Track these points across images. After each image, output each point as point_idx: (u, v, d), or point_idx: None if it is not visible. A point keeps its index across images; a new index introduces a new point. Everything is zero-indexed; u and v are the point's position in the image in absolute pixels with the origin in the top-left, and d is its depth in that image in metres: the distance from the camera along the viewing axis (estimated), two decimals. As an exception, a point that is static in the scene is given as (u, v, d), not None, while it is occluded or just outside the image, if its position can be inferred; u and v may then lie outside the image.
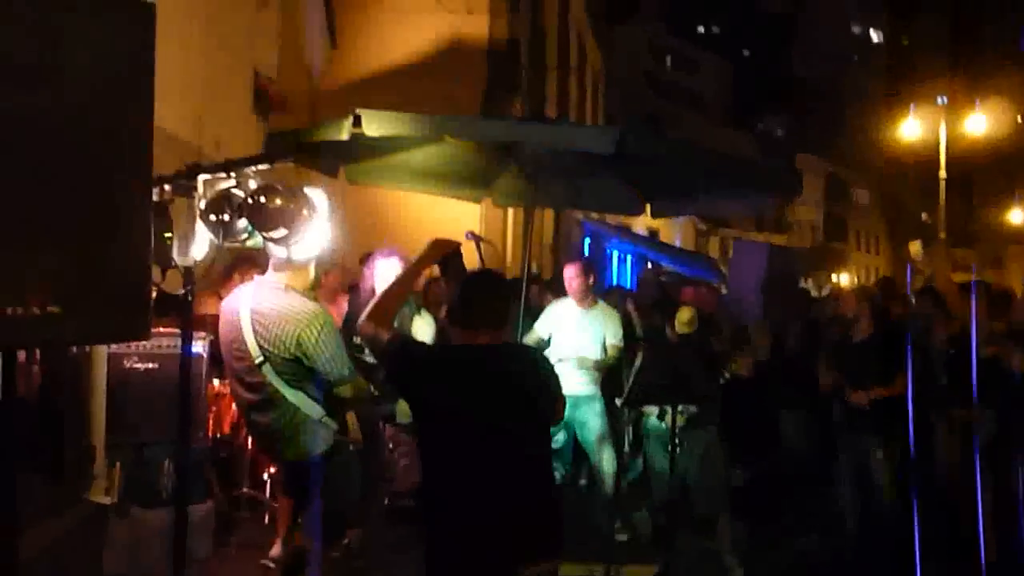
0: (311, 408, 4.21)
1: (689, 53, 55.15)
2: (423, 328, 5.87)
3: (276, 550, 5.00)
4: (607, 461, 6.36)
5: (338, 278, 7.25)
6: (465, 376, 3.14)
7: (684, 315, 6.11)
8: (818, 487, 6.48)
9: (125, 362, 5.14)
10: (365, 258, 6.95)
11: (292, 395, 4.19)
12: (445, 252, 3.49)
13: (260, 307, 4.22)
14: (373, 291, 6.01)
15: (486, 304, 3.24)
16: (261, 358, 4.18)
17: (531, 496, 3.10)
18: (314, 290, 4.65)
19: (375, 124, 5.21)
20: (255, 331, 4.19)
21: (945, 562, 5.17)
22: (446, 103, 9.00)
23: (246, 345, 4.22)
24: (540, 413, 3.23)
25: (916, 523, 4.64)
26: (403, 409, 5.46)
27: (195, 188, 3.27)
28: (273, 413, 4.25)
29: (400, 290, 3.50)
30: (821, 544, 6.35)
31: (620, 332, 6.55)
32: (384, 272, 5.68)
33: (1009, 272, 39.51)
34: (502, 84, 13.39)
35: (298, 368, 4.19)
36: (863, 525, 6.01)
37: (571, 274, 6.70)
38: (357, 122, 5.16)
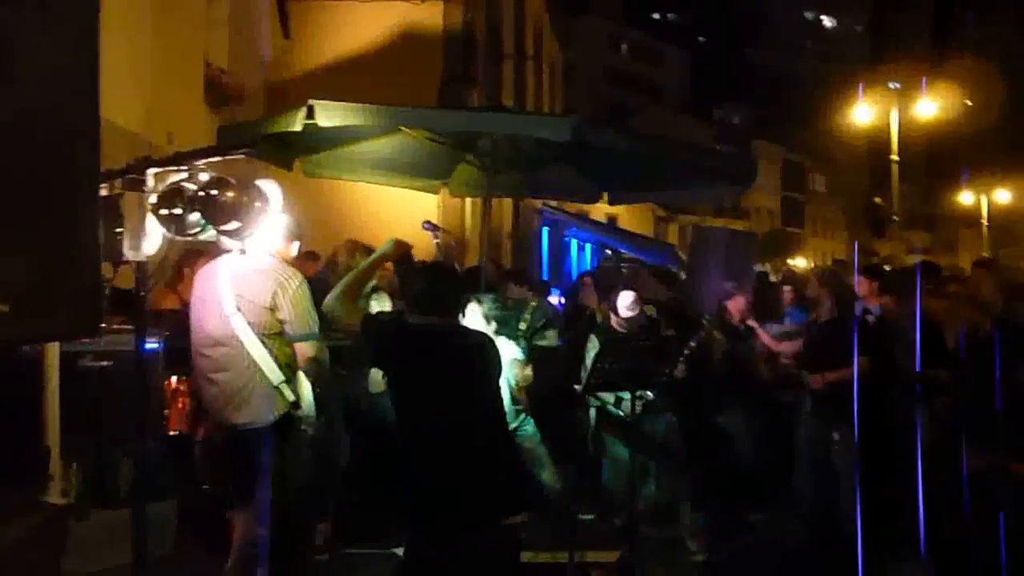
0: (271, 370, 4.18)
1: (647, 43, 55.41)
2: (376, 308, 5.86)
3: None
4: (546, 474, 6.28)
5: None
6: (434, 346, 3.48)
7: (625, 299, 6.14)
8: (777, 472, 6.55)
9: (79, 360, 5.05)
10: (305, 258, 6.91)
11: (257, 352, 4.16)
12: (402, 252, 4.09)
13: (240, 265, 4.23)
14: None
15: (439, 291, 3.59)
16: (234, 308, 4.16)
17: (496, 456, 3.43)
18: None
19: (328, 115, 5.17)
20: (233, 282, 4.19)
21: (899, 545, 5.26)
22: (402, 93, 8.94)
23: (219, 298, 4.19)
24: (495, 384, 3.59)
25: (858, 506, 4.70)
26: (375, 379, 5.46)
27: (145, 182, 3.23)
28: (231, 372, 4.21)
29: (363, 277, 3.95)
30: (781, 529, 6.42)
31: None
32: None
33: (963, 255, 40.24)
34: (458, 74, 13.33)
35: (269, 321, 4.18)
36: (823, 509, 6.07)
37: None
38: (310, 113, 5.12)
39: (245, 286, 4.18)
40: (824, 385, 5.97)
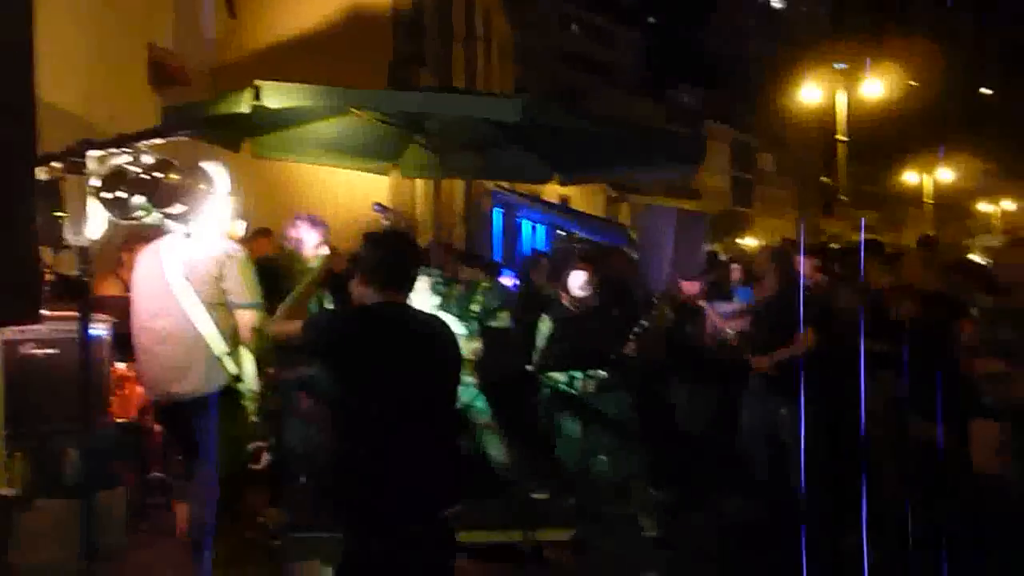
0: (215, 340, 4.22)
1: (599, 24, 55.39)
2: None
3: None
4: (495, 449, 6.32)
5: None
6: (386, 332, 3.27)
7: (577, 278, 6.17)
8: (728, 449, 6.64)
9: (21, 348, 4.94)
10: (257, 234, 6.86)
11: (201, 321, 4.19)
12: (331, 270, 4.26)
13: (186, 241, 4.24)
14: None
15: (398, 262, 3.37)
16: (180, 277, 4.18)
17: (440, 450, 3.30)
18: None
19: (276, 96, 5.12)
20: (179, 253, 4.22)
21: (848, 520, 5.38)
22: (351, 74, 8.83)
23: (163, 269, 4.21)
24: (450, 374, 3.43)
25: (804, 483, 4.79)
26: None
27: (87, 165, 3.17)
28: (175, 342, 4.24)
29: (303, 298, 3.89)
30: (734, 505, 6.51)
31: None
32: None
33: (906, 232, 41.00)
34: (408, 55, 13.23)
35: (214, 291, 4.22)
36: (774, 485, 6.16)
37: None
38: (258, 94, 5.06)
39: (191, 258, 4.21)
40: (770, 364, 6.05)
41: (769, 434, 6.13)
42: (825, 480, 5.38)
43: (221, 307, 4.25)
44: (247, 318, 4.33)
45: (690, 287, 7.43)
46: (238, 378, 4.33)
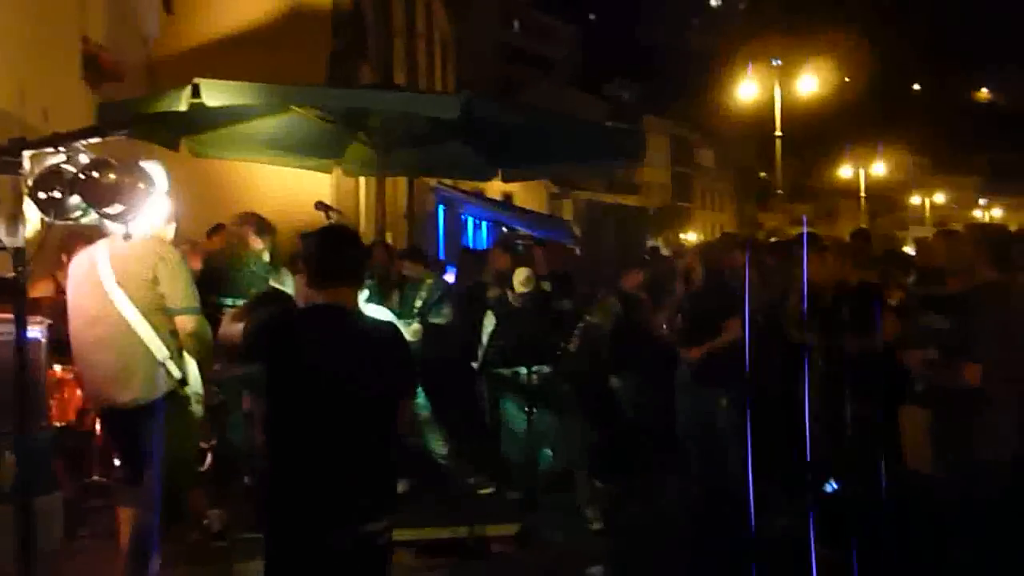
0: (156, 346, 4.16)
1: (538, 19, 55.54)
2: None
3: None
4: (436, 444, 6.38)
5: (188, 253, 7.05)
6: (316, 336, 3.19)
7: (520, 275, 6.22)
8: (664, 442, 6.74)
9: (-46, 351, 4.83)
10: (215, 230, 6.78)
11: (140, 328, 4.14)
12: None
13: (119, 244, 4.17)
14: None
15: (341, 256, 3.29)
16: (114, 283, 4.13)
17: (367, 457, 3.17)
18: None
19: (215, 94, 5.08)
20: (112, 258, 4.18)
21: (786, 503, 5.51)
22: (291, 70, 8.74)
23: (99, 276, 4.16)
24: (389, 381, 3.23)
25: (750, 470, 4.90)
26: None
27: (21, 164, 3.10)
28: (114, 350, 4.18)
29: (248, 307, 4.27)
30: (676, 494, 6.62)
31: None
32: None
33: (840, 225, 41.85)
34: (348, 51, 13.12)
35: (151, 295, 4.16)
36: (711, 476, 6.27)
37: None
38: (196, 92, 5.02)
39: (124, 263, 4.16)
40: (701, 355, 6.16)
41: (703, 423, 6.24)
42: (760, 467, 5.50)
43: (158, 311, 4.19)
44: (185, 323, 4.27)
45: (631, 280, 7.53)
46: (183, 381, 4.27)
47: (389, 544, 3.29)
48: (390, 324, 3.72)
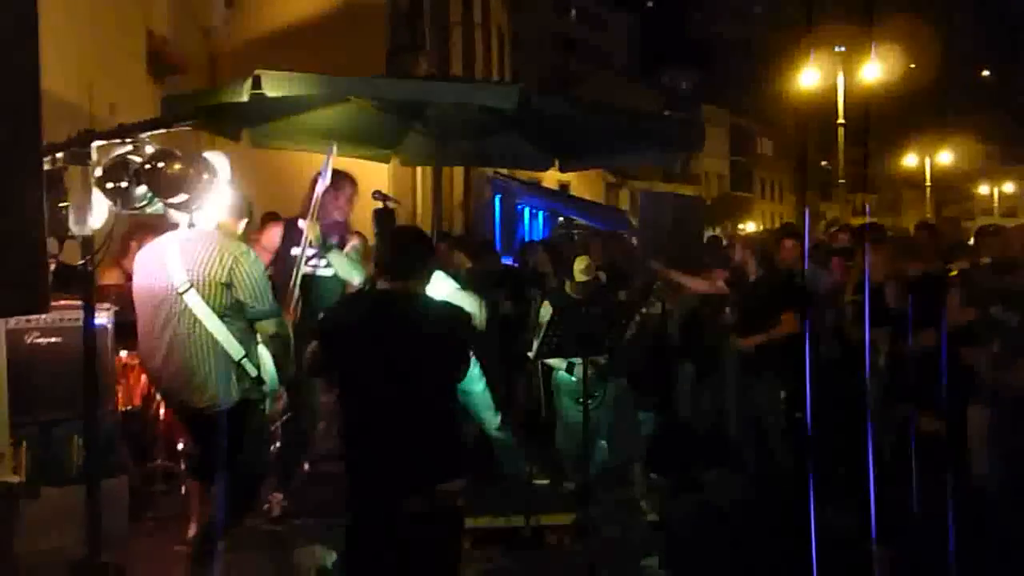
0: (231, 346, 4.08)
1: (595, 9, 55.23)
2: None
3: (192, 532, 4.81)
4: (490, 418, 6.29)
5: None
6: (380, 313, 3.49)
7: (580, 263, 6.19)
8: (718, 433, 6.69)
9: (27, 337, 4.98)
10: (268, 219, 6.85)
11: (215, 327, 4.05)
12: None
13: (190, 238, 4.12)
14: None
15: (410, 255, 3.57)
16: (187, 284, 4.04)
17: (431, 424, 3.42)
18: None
19: (275, 85, 5.13)
20: (183, 258, 4.08)
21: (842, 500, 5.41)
22: (349, 62, 8.82)
23: (168, 274, 4.07)
24: (443, 359, 3.51)
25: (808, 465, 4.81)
26: None
27: (89, 155, 3.18)
28: (188, 352, 4.09)
29: None
30: (731, 486, 6.55)
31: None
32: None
33: (906, 216, 40.99)
34: (406, 43, 13.21)
35: (225, 296, 4.06)
36: (763, 467, 6.20)
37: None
38: (257, 83, 5.07)
39: (197, 264, 4.09)
40: (755, 347, 6.08)
41: (756, 415, 6.16)
42: (815, 462, 5.41)
43: (233, 311, 4.10)
44: (266, 327, 4.20)
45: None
46: (259, 380, 4.21)
47: (462, 508, 3.51)
48: (445, 303, 3.86)
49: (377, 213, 5.48)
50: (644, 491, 6.21)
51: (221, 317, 4.08)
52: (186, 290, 4.06)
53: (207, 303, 4.06)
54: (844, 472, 5.42)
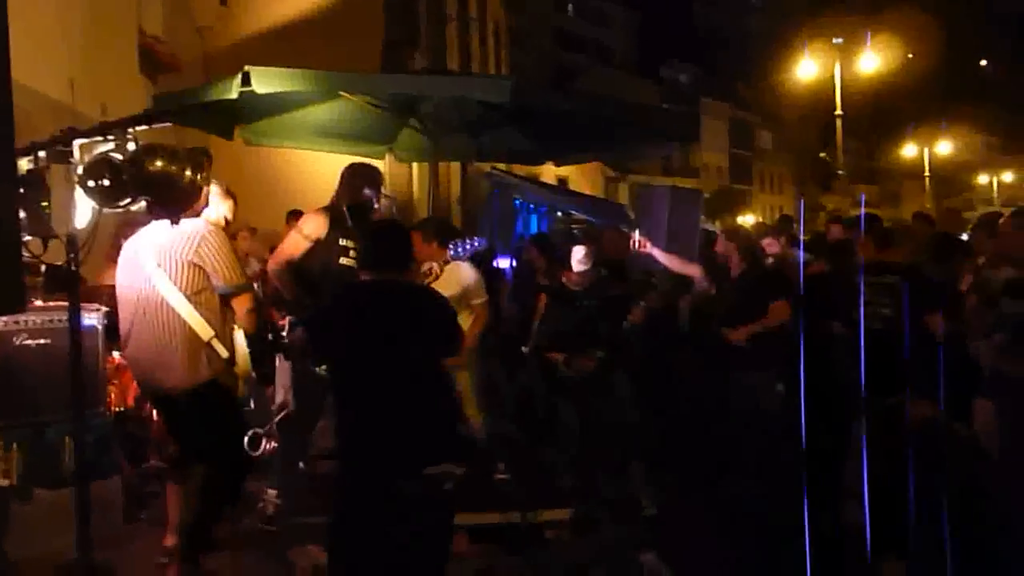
0: (200, 327, 4.11)
1: (593, 3, 55.15)
2: None
3: (169, 540, 4.66)
4: (472, 412, 6.22)
5: (247, 240, 7.10)
6: (368, 300, 3.60)
7: (577, 253, 6.15)
8: (716, 427, 6.63)
9: (14, 339, 4.94)
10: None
11: (183, 309, 4.09)
12: None
13: (164, 228, 4.13)
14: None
15: (390, 248, 3.68)
16: (155, 266, 4.10)
17: (420, 407, 3.49)
18: None
19: (265, 81, 5.09)
20: (155, 243, 4.14)
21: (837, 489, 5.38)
22: (345, 58, 8.80)
23: (141, 261, 4.15)
24: (432, 340, 3.62)
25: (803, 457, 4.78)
26: None
27: (71, 153, 3.14)
28: (159, 333, 4.12)
29: None
30: (731, 482, 6.51)
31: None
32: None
33: (906, 207, 40.94)
34: (401, 38, 13.17)
35: (195, 277, 4.11)
36: (761, 459, 6.15)
37: None
38: (246, 80, 5.03)
39: (167, 244, 4.12)
40: (746, 339, 6.04)
41: (752, 410, 6.11)
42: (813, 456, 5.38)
43: (203, 291, 4.13)
44: (241, 302, 4.22)
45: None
46: (231, 361, 4.23)
47: (454, 491, 3.50)
48: (425, 287, 4.08)
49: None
50: (642, 485, 6.17)
51: (193, 297, 4.10)
52: (153, 270, 4.10)
53: (176, 284, 4.10)
54: (839, 465, 5.38)
